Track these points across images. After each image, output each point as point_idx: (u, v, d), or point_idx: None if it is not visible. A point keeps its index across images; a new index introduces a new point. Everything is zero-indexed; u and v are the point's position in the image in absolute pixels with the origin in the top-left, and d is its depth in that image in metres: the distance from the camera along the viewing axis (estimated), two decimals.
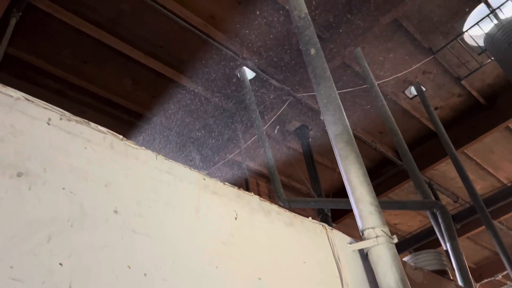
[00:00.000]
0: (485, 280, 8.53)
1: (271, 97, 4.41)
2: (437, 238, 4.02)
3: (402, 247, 5.90)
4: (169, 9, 3.66)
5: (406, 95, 4.97)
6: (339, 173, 2.05)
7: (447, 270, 2.88)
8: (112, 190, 1.03)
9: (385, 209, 5.56)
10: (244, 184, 4.82)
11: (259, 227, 1.35)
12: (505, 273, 8.22)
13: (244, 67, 4.18)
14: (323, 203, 3.92)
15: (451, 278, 2.80)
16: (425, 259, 2.89)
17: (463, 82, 4.87)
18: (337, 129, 1.98)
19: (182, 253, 1.09)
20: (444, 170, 6.26)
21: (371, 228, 1.67)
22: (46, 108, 1.03)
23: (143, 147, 1.19)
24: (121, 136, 1.16)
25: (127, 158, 1.12)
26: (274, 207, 1.47)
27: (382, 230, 1.66)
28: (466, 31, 4.30)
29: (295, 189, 5.96)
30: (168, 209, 1.13)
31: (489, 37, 4.16)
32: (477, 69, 4.69)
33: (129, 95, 4.46)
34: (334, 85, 2.11)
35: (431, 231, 5.74)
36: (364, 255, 1.68)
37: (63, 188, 0.94)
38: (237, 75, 4.35)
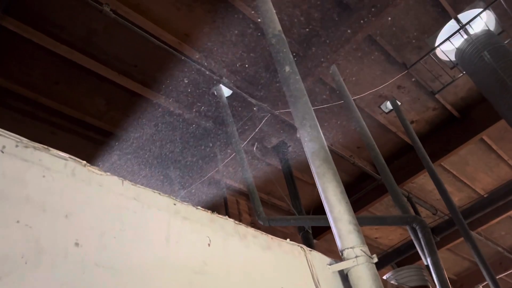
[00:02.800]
0: None
1: (248, 114, 4.38)
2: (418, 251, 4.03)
3: (383, 261, 5.88)
4: (143, 27, 3.61)
5: (382, 109, 5.02)
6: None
7: (429, 285, 2.86)
8: (73, 221, 0.96)
9: (365, 225, 5.57)
10: (223, 203, 4.74)
11: (234, 252, 1.29)
12: (485, 283, 8.30)
13: (221, 85, 4.15)
14: (303, 220, 3.87)
15: None
16: (407, 275, 2.86)
17: (437, 96, 4.96)
18: (314, 147, 1.96)
19: (151, 286, 1.02)
20: (422, 183, 6.33)
21: (351, 248, 1.63)
22: (1, 135, 0.96)
23: (108, 173, 1.13)
24: (84, 162, 1.09)
25: (90, 186, 1.05)
26: (250, 230, 1.42)
27: (361, 249, 1.62)
28: (438, 46, 4.40)
29: (276, 206, 5.90)
30: (135, 239, 1.07)
31: (460, 52, 4.26)
32: (450, 83, 4.78)
33: (102, 116, 4.36)
34: (309, 102, 2.09)
35: (412, 245, 5.74)
36: (344, 276, 1.64)
37: (17, 222, 0.87)
38: (214, 93, 4.31)
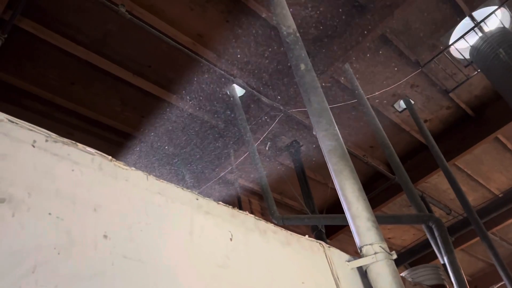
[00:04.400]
0: None
1: (261, 113, 4.40)
2: (432, 251, 3.98)
3: (397, 261, 5.84)
4: (157, 28, 3.65)
5: (395, 108, 4.99)
6: (332, 189, 2.03)
7: (445, 284, 2.83)
8: (102, 214, 0.98)
9: (380, 224, 5.52)
10: (236, 202, 4.76)
11: (255, 247, 1.30)
12: (500, 284, 8.20)
13: (234, 84, 4.17)
14: (317, 219, 3.87)
15: None
16: (423, 274, 2.84)
17: (451, 94, 4.91)
18: (330, 144, 1.96)
19: (176, 278, 1.04)
20: (436, 182, 6.27)
21: (369, 244, 1.64)
22: (31, 130, 0.99)
23: (133, 168, 1.15)
24: (110, 157, 1.12)
25: (116, 180, 1.07)
26: (270, 226, 1.43)
27: (380, 246, 1.62)
28: (452, 44, 4.36)
29: (288, 205, 5.90)
30: (161, 232, 1.08)
31: (474, 50, 4.22)
32: (464, 81, 4.74)
33: (117, 116, 4.40)
34: (325, 99, 2.09)
35: (425, 245, 5.71)
36: (363, 273, 1.64)
37: (49, 214, 0.89)
38: (227, 93, 4.33)
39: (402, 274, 2.97)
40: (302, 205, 4.91)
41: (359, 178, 5.72)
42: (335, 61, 3.90)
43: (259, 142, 4.47)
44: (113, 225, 0.99)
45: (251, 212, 5.32)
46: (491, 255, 4.47)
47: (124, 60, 4.02)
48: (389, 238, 7.34)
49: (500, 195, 6.54)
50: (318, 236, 4.44)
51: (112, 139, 4.55)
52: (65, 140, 1.02)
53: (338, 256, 1.61)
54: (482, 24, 4.19)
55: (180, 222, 1.15)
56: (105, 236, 0.95)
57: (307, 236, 1.59)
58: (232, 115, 4.45)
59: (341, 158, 1.92)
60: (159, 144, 4.65)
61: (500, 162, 6.17)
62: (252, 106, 4.42)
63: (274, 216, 3.51)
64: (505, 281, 4.58)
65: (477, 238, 6.50)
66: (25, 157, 0.93)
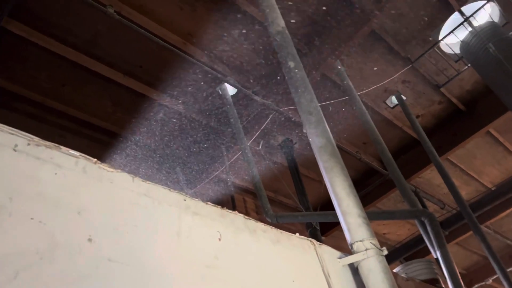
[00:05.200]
0: (476, 286, 8.56)
1: (254, 112, 4.39)
2: (427, 246, 4.01)
3: (392, 256, 5.87)
4: (147, 28, 3.63)
5: (387, 104, 5.01)
6: (326, 186, 2.03)
7: (439, 278, 2.85)
8: (86, 217, 0.98)
9: (373, 220, 5.56)
10: (230, 202, 4.76)
11: (244, 247, 1.30)
12: (495, 277, 8.26)
13: (225, 83, 4.16)
14: (311, 216, 3.87)
15: (443, 286, 2.77)
16: (416, 269, 2.86)
17: (442, 89, 4.94)
18: (321, 142, 1.96)
19: (164, 280, 1.03)
20: (429, 177, 6.30)
21: (360, 241, 1.63)
22: (12, 134, 0.97)
23: (119, 170, 1.14)
24: (95, 160, 1.11)
25: (101, 183, 1.06)
26: (260, 224, 1.42)
27: (371, 242, 1.62)
28: (442, 39, 4.38)
29: (282, 203, 5.91)
30: (147, 234, 1.08)
31: (464, 45, 4.24)
32: (455, 76, 4.76)
33: (109, 117, 4.38)
34: (315, 97, 2.09)
35: (420, 239, 5.73)
36: (354, 269, 1.64)
37: (32, 218, 0.88)
38: (219, 92, 4.32)
39: (396, 269, 2.99)
40: (296, 203, 4.91)
41: (353, 175, 5.80)
42: (325, 58, 3.90)
43: (251, 141, 4.46)
44: (98, 228, 0.98)
45: (246, 211, 5.33)
46: (484, 249, 4.50)
47: (114, 61, 4.00)
48: (384, 233, 7.38)
49: (493, 188, 6.58)
50: (313, 233, 4.44)
51: (104, 140, 4.53)
52: (48, 143, 1.01)
53: (329, 253, 1.61)
54: (471, 18, 4.20)
55: (168, 224, 1.14)
56: (90, 240, 0.94)
57: (297, 234, 1.59)
58: (224, 114, 4.44)
59: (331, 155, 1.92)
60: (151, 144, 4.63)
61: (492, 156, 6.21)
62: (244, 104, 4.41)
63: (268, 214, 3.51)
64: (498, 274, 4.61)
65: (471, 232, 6.55)
66: (6, 162, 0.91)
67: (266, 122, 4.29)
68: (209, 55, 4.07)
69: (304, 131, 3.73)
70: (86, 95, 4.20)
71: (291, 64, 2.33)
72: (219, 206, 1.33)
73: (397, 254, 5.80)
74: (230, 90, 4.28)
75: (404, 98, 4.95)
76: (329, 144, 1.94)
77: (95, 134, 4.47)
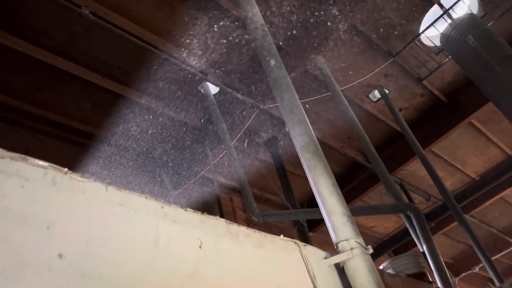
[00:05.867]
0: (463, 274, 8.68)
1: (237, 110, 4.35)
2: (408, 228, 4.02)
3: (380, 250, 5.91)
4: (124, 28, 3.56)
5: (370, 99, 5.02)
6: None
7: (426, 272, 2.86)
8: (56, 232, 0.93)
9: (359, 215, 5.56)
10: (216, 202, 4.72)
11: (226, 253, 1.27)
12: (481, 265, 8.39)
13: (207, 82, 4.11)
14: (297, 214, 3.86)
15: (430, 279, 2.78)
16: (403, 263, 2.86)
17: (424, 82, 4.96)
18: (303, 140, 1.93)
19: None
20: (414, 169, 6.35)
21: (345, 240, 1.62)
22: None
23: (91, 179, 1.09)
24: (65, 169, 1.06)
25: (72, 194, 1.02)
26: (243, 228, 1.39)
27: (356, 241, 1.61)
28: (423, 32, 4.39)
29: (270, 201, 5.89)
30: (123, 245, 1.03)
31: (444, 37, 4.26)
32: (436, 69, 4.79)
33: (89, 120, 4.29)
34: (296, 95, 2.06)
35: (407, 232, 5.77)
36: (340, 269, 1.62)
37: None
38: (201, 91, 4.26)
39: (383, 264, 3.00)
40: (283, 200, 4.90)
41: (338, 169, 5.79)
42: (307, 54, 3.88)
43: (236, 139, 4.42)
44: (69, 243, 0.93)
45: (233, 210, 5.30)
46: (470, 238, 4.56)
47: (92, 63, 3.91)
48: (372, 226, 7.42)
49: (477, 178, 6.67)
50: (300, 230, 4.44)
51: (85, 143, 4.43)
52: (13, 155, 0.96)
53: (314, 254, 1.59)
54: (450, 11, 4.22)
55: (144, 234, 1.10)
56: (60, 256, 0.90)
57: (282, 235, 1.56)
58: (208, 114, 4.39)
59: (314, 154, 1.89)
60: (134, 146, 4.55)
61: (475, 146, 6.29)
62: (227, 103, 4.37)
63: (254, 213, 3.49)
64: (483, 262, 4.68)
65: (455, 223, 6.64)
66: None
67: (250, 120, 4.26)
68: (189, 54, 4.00)
69: (287, 129, 3.71)
70: (65, 98, 4.10)
71: (272, 62, 2.30)
72: (199, 212, 1.29)
73: (385, 247, 5.84)
74: (213, 88, 4.23)
75: (387, 91, 4.97)
76: (312, 143, 1.92)
77: (75, 137, 4.37)
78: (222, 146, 4.38)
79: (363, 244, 1.60)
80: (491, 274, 4.61)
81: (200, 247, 1.20)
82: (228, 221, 1.36)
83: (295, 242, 1.55)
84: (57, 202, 0.97)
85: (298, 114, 2.01)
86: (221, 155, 4.61)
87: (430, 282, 2.71)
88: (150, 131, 4.49)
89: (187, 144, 4.65)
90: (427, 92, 5.20)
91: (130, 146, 4.57)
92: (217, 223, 1.32)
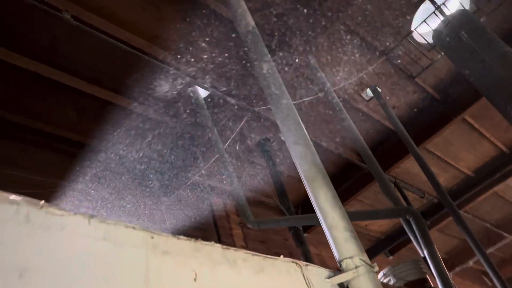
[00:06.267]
0: (458, 268, 8.71)
1: (228, 114, 4.24)
2: (410, 237, 3.97)
3: (376, 249, 5.86)
4: (108, 32, 3.42)
5: (362, 97, 4.94)
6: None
7: (427, 277, 2.79)
8: (30, 279, 0.81)
9: (358, 220, 5.49)
10: (209, 206, 4.62)
11: (224, 283, 1.16)
12: (475, 259, 8.43)
13: (196, 86, 3.99)
14: (293, 220, 3.77)
15: (432, 285, 2.71)
16: (404, 270, 2.79)
17: (417, 79, 4.90)
18: (300, 150, 1.83)
19: None
20: (408, 167, 6.30)
21: (349, 258, 1.52)
22: None
23: (72, 212, 0.98)
24: (41, 202, 0.94)
25: (49, 232, 0.90)
26: (240, 253, 1.29)
27: (361, 259, 1.51)
28: (415, 29, 4.32)
29: (264, 203, 5.79)
30: (109, 286, 0.92)
31: (437, 33, 4.19)
32: (429, 66, 4.73)
33: (75, 127, 4.14)
34: (292, 103, 1.96)
35: (403, 231, 5.73)
36: (344, 287, 1.53)
37: None
38: (190, 95, 4.14)
39: (383, 271, 2.93)
40: (277, 203, 4.81)
41: (333, 170, 5.69)
42: (298, 55, 3.78)
43: (228, 143, 4.31)
44: None
45: (226, 215, 5.18)
46: (465, 234, 4.54)
47: (77, 69, 3.76)
48: (366, 225, 7.37)
49: (470, 174, 6.64)
50: (296, 234, 4.35)
51: (71, 152, 4.28)
52: None
53: (317, 274, 1.49)
54: (442, 7, 4.15)
55: (133, 270, 0.99)
56: None
57: (282, 256, 1.46)
58: (198, 118, 4.27)
59: (312, 164, 1.79)
60: (123, 153, 4.42)
61: (468, 142, 6.26)
62: (217, 107, 4.25)
63: (249, 220, 3.39)
64: (478, 256, 4.66)
65: (451, 217, 6.62)
66: None
67: (242, 124, 4.15)
68: (177, 57, 3.88)
69: (282, 138, 3.61)
70: (49, 106, 3.95)
71: (265, 66, 2.19)
72: (192, 239, 1.18)
73: (381, 246, 5.79)
74: (202, 92, 4.11)
75: (379, 90, 4.90)
76: (309, 152, 1.82)
77: (61, 146, 4.22)
78: (214, 150, 4.26)
79: (368, 261, 1.51)
80: (486, 267, 4.59)
81: (195, 280, 1.09)
82: (224, 246, 1.26)
83: (296, 263, 1.45)
84: (31, 244, 0.86)
85: (293, 121, 1.91)
86: (213, 159, 4.49)
87: None
88: (139, 137, 4.36)
89: (178, 149, 4.52)
90: (419, 90, 5.14)
91: (118, 152, 4.43)
92: (212, 250, 1.21)
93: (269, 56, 2.33)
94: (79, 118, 4.11)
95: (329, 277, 1.53)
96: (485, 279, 10.54)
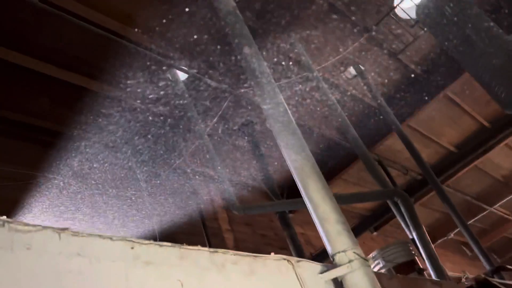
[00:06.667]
0: (439, 241, 8.90)
1: (209, 96, 4.11)
2: (394, 214, 3.98)
3: (362, 226, 5.90)
4: (80, 15, 3.21)
5: (346, 76, 4.86)
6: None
7: (416, 259, 2.79)
8: None
9: (346, 204, 5.48)
10: (194, 192, 4.53)
11: None
12: (456, 231, 8.65)
13: (175, 69, 3.83)
14: (279, 206, 3.71)
15: (421, 266, 2.71)
16: (393, 252, 2.77)
17: (399, 56, 4.83)
18: (288, 139, 1.74)
19: None
20: (390, 144, 6.29)
21: (342, 251, 1.46)
22: None
23: (39, 226, 0.87)
24: (3, 218, 0.83)
25: (13, 253, 0.80)
26: (229, 256, 1.20)
27: (354, 252, 1.45)
28: (398, 5, 4.23)
29: (249, 186, 5.72)
30: None
31: (420, 8, 4.10)
32: (412, 42, 4.66)
33: (48, 115, 3.95)
34: (277, 89, 1.86)
35: (387, 208, 5.78)
36: (338, 283, 1.47)
37: None
38: (169, 77, 3.99)
39: (373, 254, 2.91)
40: (261, 185, 4.76)
41: (315, 150, 5.59)
42: (281, 34, 3.65)
43: (210, 126, 4.20)
44: None
45: (211, 200, 5.10)
46: (448, 208, 4.61)
47: (47, 54, 3.55)
48: None
49: (452, 150, 6.69)
50: (282, 217, 4.32)
51: (46, 140, 4.09)
52: None
53: (309, 270, 1.43)
54: None
55: (111, 285, 0.90)
56: None
57: (272, 253, 1.38)
58: (178, 102, 4.12)
59: (300, 153, 1.71)
60: (101, 140, 4.25)
61: (450, 117, 6.27)
62: (197, 89, 4.11)
63: (234, 207, 3.31)
64: (460, 229, 4.75)
65: (433, 192, 6.70)
66: None
67: (224, 106, 4.03)
68: (154, 39, 3.70)
69: (268, 125, 3.51)
70: (19, 94, 3.74)
71: (246, 49, 2.07)
72: (177, 245, 1.09)
73: (367, 224, 5.84)
74: (181, 75, 3.95)
75: (362, 68, 4.83)
76: (298, 141, 1.73)
77: (34, 135, 4.03)
78: (196, 134, 4.14)
79: (363, 254, 1.45)
80: (467, 238, 4.68)
81: None
82: (211, 250, 1.17)
83: (287, 261, 1.38)
84: None
85: (280, 108, 1.81)
86: (195, 144, 4.38)
87: (422, 270, 2.64)
88: (118, 123, 4.19)
89: (158, 134, 4.38)
90: (402, 66, 5.08)
91: (95, 139, 4.26)
92: (199, 255, 1.12)
93: (251, 36, 2.22)
94: (51, 105, 3.91)
95: (322, 272, 1.47)
96: (465, 249, 10.90)
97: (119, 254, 0.95)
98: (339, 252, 1.46)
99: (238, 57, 2.20)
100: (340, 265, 1.44)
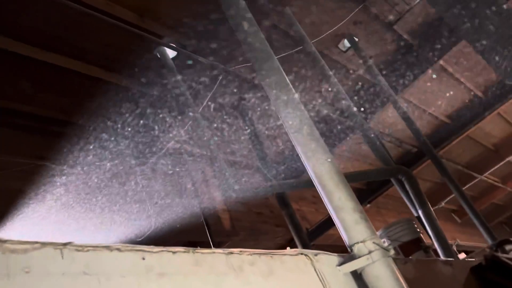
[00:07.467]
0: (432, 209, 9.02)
1: (201, 75, 3.94)
2: (393, 186, 3.95)
3: (359, 200, 5.89)
4: None
5: (340, 49, 4.72)
6: (288, 141, 1.74)
7: (421, 236, 2.75)
8: None
9: (350, 183, 5.41)
10: (188, 174, 4.43)
11: None
12: (448, 199, 8.79)
13: (163, 47, 3.65)
14: (277, 187, 3.62)
15: (426, 244, 2.67)
16: (398, 231, 2.73)
17: (394, 27, 4.70)
18: (296, 124, 1.63)
19: None
20: (384, 115, 6.24)
21: (361, 242, 1.38)
22: None
23: (38, 244, 0.75)
24: None
25: (11, 279, 0.68)
26: (246, 256, 1.11)
27: (374, 242, 1.37)
28: None
29: (243, 164, 5.64)
30: None
31: None
32: (407, 12, 4.52)
33: (31, 100, 3.75)
34: (283, 73, 1.73)
35: (384, 181, 5.77)
36: (357, 275, 1.39)
37: None
38: (157, 56, 3.80)
39: (378, 233, 2.85)
40: (258, 164, 4.66)
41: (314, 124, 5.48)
42: (274, 6, 3.47)
43: (203, 106, 4.05)
44: None
45: (206, 181, 5.00)
46: (446, 179, 4.61)
47: (26, 34, 3.33)
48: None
49: (445, 120, 6.67)
50: (279, 196, 4.26)
51: (32, 126, 3.91)
52: None
53: (327, 263, 1.35)
54: None
55: None
56: None
57: (288, 248, 1.29)
58: (168, 81, 3.95)
59: (309, 138, 1.60)
60: (91, 123, 4.08)
61: (443, 87, 6.21)
62: (189, 68, 3.93)
63: (231, 188, 3.21)
64: (456, 196, 4.78)
65: (426, 163, 6.72)
66: None
67: (216, 85, 3.87)
68: (140, 15, 3.49)
69: (273, 108, 3.38)
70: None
71: (245, 25, 1.93)
72: (191, 249, 0.99)
73: (364, 197, 5.83)
74: (170, 53, 3.77)
75: (356, 39, 4.69)
76: (307, 125, 1.62)
77: (18, 120, 3.83)
78: (189, 114, 3.99)
79: (383, 244, 1.36)
80: (462, 204, 4.71)
81: None
82: (227, 251, 1.07)
83: (306, 256, 1.30)
84: None
85: (287, 93, 1.69)
86: (188, 123, 4.23)
87: (428, 247, 2.61)
88: (106, 105, 4.01)
89: (149, 115, 4.22)
90: (397, 37, 4.95)
91: (83, 123, 4.08)
92: (215, 259, 1.02)
93: (247, 8, 2.07)
94: (34, 89, 3.70)
95: (340, 264, 1.39)
96: (455, 216, 11.13)
97: (130, 267, 0.84)
98: (357, 243, 1.38)
99: (236, 33, 2.05)
100: (359, 257, 1.36)
